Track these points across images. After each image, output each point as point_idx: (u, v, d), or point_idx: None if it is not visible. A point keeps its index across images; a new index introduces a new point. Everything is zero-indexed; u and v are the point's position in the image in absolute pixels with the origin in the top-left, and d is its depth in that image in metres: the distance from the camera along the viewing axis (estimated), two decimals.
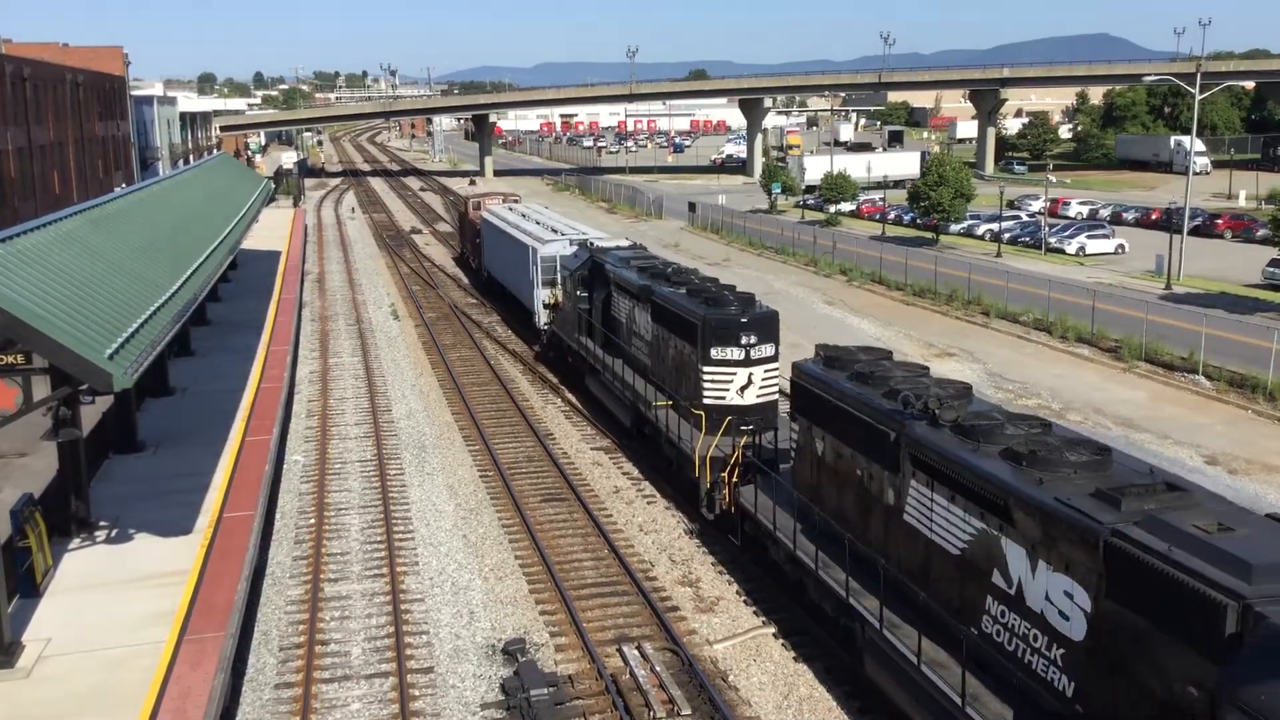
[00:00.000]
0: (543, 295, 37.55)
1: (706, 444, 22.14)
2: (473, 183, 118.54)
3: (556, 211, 54.42)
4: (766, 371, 23.55)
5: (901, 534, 15.73)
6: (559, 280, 36.05)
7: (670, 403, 24.74)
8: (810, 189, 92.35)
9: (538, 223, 43.51)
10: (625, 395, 28.03)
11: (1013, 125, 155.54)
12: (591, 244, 34.47)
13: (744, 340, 23.12)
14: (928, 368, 18.45)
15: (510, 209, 50.21)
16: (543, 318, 37.69)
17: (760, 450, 21.62)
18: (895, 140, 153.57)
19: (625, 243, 35.23)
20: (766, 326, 23.54)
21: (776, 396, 23.82)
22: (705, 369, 23.35)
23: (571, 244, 36.97)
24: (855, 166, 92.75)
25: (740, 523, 20.86)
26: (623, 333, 29.47)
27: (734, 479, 21.20)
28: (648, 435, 27.00)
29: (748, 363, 23.25)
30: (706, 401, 23.29)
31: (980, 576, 13.80)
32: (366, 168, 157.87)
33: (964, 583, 14.19)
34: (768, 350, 23.49)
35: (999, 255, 62.48)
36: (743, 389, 23.30)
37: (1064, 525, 12.25)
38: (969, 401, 16.26)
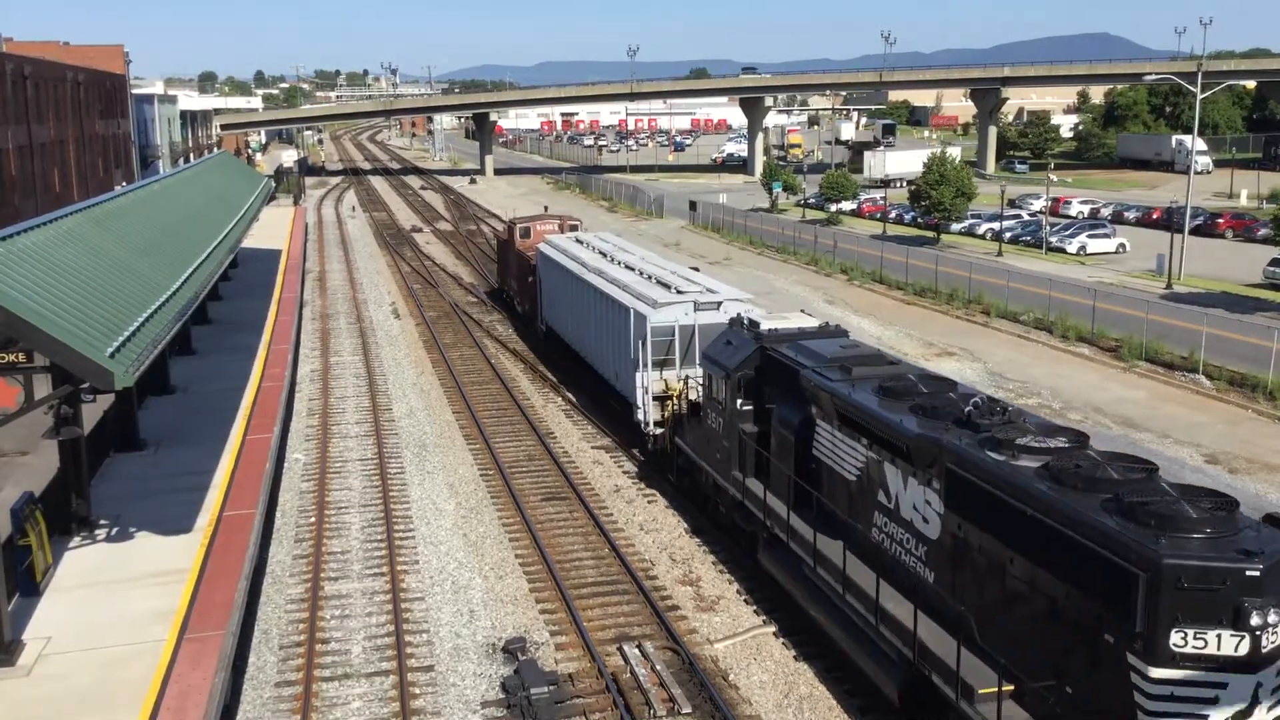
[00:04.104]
0: (651, 381, 26.51)
1: None
2: (473, 181, 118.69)
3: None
4: None
5: None
6: (704, 377, 22.84)
7: (1011, 688, 12.92)
8: (886, 182, 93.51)
9: (629, 267, 32.04)
10: (880, 633, 15.51)
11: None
12: (756, 323, 22.02)
13: (1254, 617, 11.07)
14: None
15: (578, 241, 38.14)
16: (651, 414, 26.54)
17: None
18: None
19: (809, 321, 22.42)
20: None
21: None
22: (1154, 672, 11.24)
23: (698, 307, 26.55)
24: (913, 163, 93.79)
25: None
26: (848, 497, 17.12)
27: None
28: None
29: (1254, 662, 11.26)
30: None
31: None
32: (367, 166, 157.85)
33: None
34: None
35: (1000, 254, 62.47)
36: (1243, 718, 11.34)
37: None
38: None
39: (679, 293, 27.59)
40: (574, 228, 44.32)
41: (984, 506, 13.54)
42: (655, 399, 26.44)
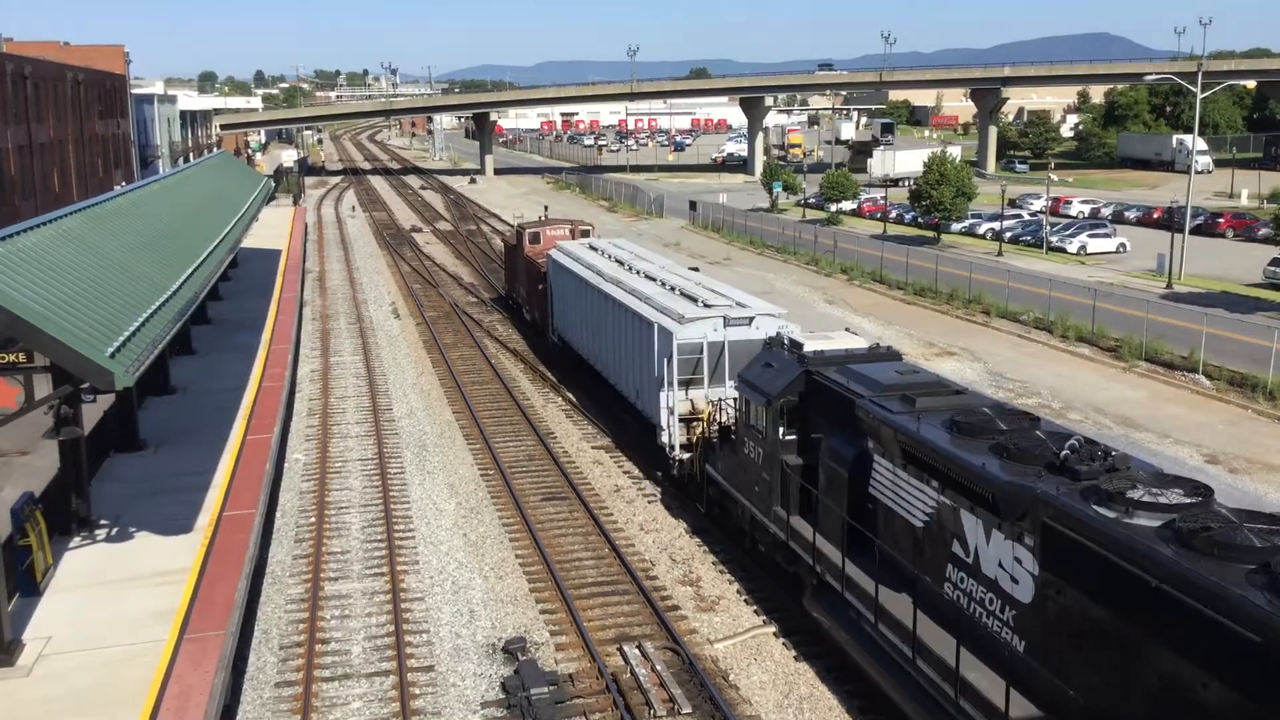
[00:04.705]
0: (676, 402, 24.58)
1: None
2: (473, 181, 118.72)
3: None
4: None
5: None
6: (740, 401, 20.71)
7: None
8: (895, 181, 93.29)
9: (649, 277, 30.23)
10: (960, 707, 13.42)
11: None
12: (799, 344, 20.08)
13: None
14: None
15: (592, 248, 36.20)
16: (676, 436, 24.62)
17: None
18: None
19: (856, 341, 20.62)
20: None
21: None
22: None
23: (728, 323, 24.60)
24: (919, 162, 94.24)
25: None
26: (913, 545, 15.16)
27: None
28: None
29: None
30: None
31: None
32: (367, 166, 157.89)
33: None
34: None
35: (1000, 254, 62.47)
36: None
37: None
38: None
39: (707, 306, 25.68)
40: (585, 233, 42.02)
41: (1091, 571, 11.50)
42: (681, 421, 24.43)
